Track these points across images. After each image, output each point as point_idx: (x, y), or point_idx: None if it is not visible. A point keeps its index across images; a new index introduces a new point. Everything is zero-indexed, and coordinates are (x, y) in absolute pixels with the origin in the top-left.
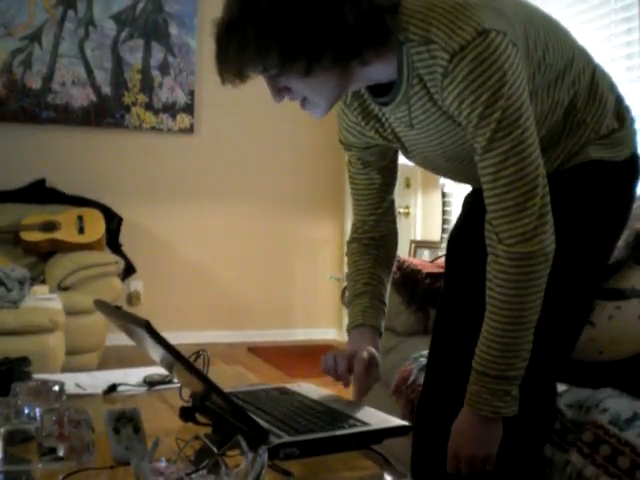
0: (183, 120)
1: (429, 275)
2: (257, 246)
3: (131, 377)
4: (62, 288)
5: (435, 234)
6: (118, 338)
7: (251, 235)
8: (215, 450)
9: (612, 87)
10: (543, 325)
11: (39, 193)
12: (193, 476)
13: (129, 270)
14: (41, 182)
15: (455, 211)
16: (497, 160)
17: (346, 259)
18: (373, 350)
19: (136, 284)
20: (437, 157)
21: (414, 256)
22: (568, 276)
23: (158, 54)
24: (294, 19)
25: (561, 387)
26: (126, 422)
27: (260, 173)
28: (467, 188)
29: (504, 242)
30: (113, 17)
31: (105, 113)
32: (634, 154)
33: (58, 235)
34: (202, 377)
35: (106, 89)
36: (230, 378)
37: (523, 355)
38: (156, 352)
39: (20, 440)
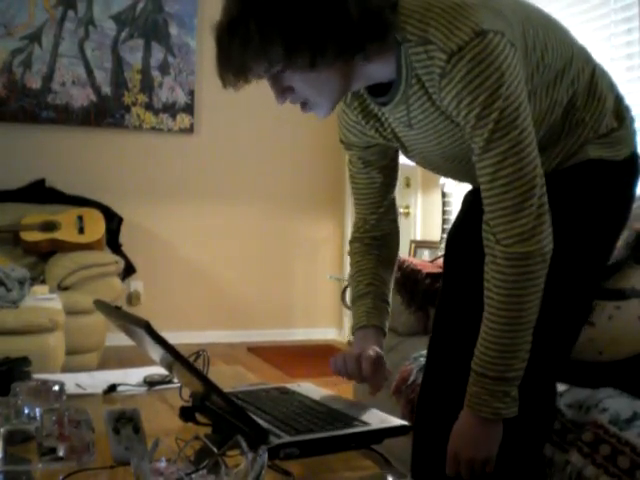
0: (183, 120)
1: (429, 275)
2: (257, 246)
3: (131, 377)
4: (62, 288)
5: (435, 234)
6: (118, 338)
7: (251, 235)
8: (215, 450)
9: (612, 86)
10: (543, 325)
11: (39, 193)
12: (193, 476)
13: (129, 270)
14: (41, 182)
15: (455, 211)
16: (495, 160)
17: (348, 259)
18: (378, 349)
19: (136, 284)
20: (436, 157)
21: (414, 256)
22: (568, 276)
23: (158, 54)
24: (297, 11)
25: (561, 387)
26: (126, 422)
27: (260, 173)
28: (467, 187)
29: (501, 242)
30: (113, 17)
31: (105, 113)
32: (634, 153)
33: (58, 235)
34: (202, 377)
35: (106, 89)
36: (230, 378)
37: (522, 356)
38: (156, 352)
39: (20, 440)
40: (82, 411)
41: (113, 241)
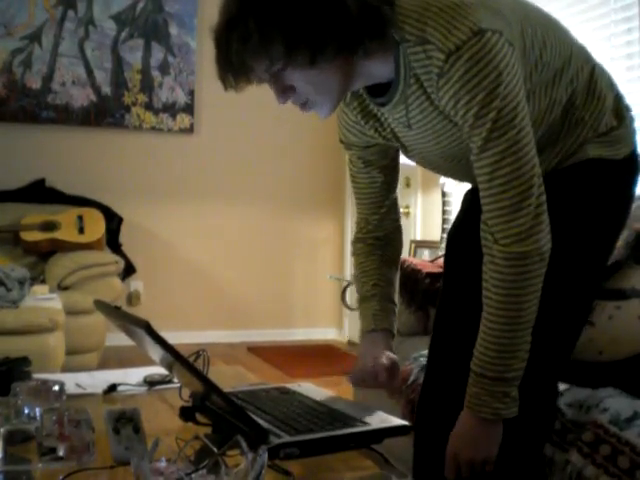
0: (183, 120)
1: (429, 275)
2: (257, 246)
3: (131, 377)
4: (62, 288)
5: (435, 234)
6: (118, 338)
7: (251, 235)
8: (215, 450)
9: (611, 85)
10: (543, 325)
11: (39, 193)
12: (193, 476)
13: (129, 270)
14: (41, 182)
15: (455, 211)
16: (493, 160)
17: (349, 259)
18: (390, 354)
19: (136, 284)
20: (435, 157)
21: (414, 256)
22: (567, 276)
23: (158, 54)
24: (296, 7)
25: (561, 387)
26: (126, 422)
27: (260, 173)
28: (467, 187)
29: (500, 242)
30: (113, 17)
31: (105, 113)
32: (633, 152)
33: (58, 235)
34: (202, 377)
35: (106, 89)
36: (230, 378)
37: (521, 356)
38: (156, 352)
39: (20, 440)
40: (82, 411)
41: (113, 241)
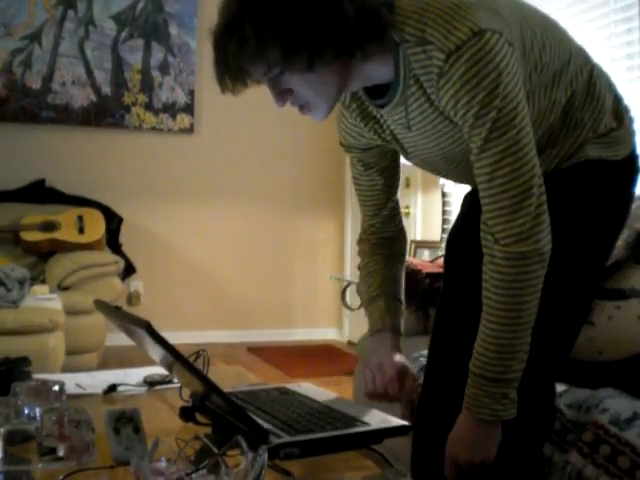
0: (183, 120)
1: (429, 275)
2: (257, 246)
3: (131, 377)
4: (62, 288)
5: (435, 234)
6: (118, 338)
7: (251, 235)
8: (215, 450)
9: (610, 86)
10: (542, 325)
11: (39, 193)
12: (193, 476)
13: (129, 270)
14: (41, 182)
15: (455, 211)
16: (493, 160)
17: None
18: (397, 357)
19: (136, 284)
20: (435, 158)
21: (414, 256)
22: (567, 276)
23: (158, 54)
24: (293, 12)
25: (561, 387)
26: (126, 422)
27: (260, 173)
28: (467, 188)
29: (500, 242)
30: (113, 17)
31: (105, 113)
32: (633, 153)
33: (58, 235)
34: (202, 377)
35: (106, 89)
36: (230, 378)
37: (520, 357)
38: (156, 352)
39: (20, 440)
40: (82, 411)
41: (113, 241)
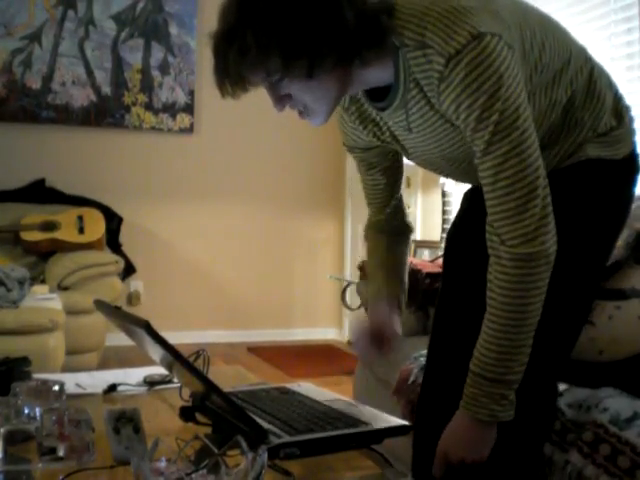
0: (183, 120)
1: (429, 275)
2: (257, 246)
3: (131, 377)
4: (62, 288)
5: (435, 234)
6: (118, 338)
7: (251, 235)
8: (215, 450)
9: (610, 85)
10: (543, 324)
11: (39, 193)
12: (193, 476)
13: (129, 270)
14: (41, 182)
15: (455, 211)
16: (496, 162)
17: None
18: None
19: (136, 284)
20: (437, 159)
21: (414, 256)
22: (567, 275)
23: (158, 54)
24: (293, 20)
25: (561, 387)
26: (126, 422)
27: (260, 173)
28: (467, 187)
29: (506, 243)
30: (113, 17)
31: (105, 113)
32: (633, 152)
33: (58, 235)
34: (202, 377)
35: (106, 89)
36: (230, 378)
37: (521, 359)
38: (156, 352)
39: (20, 440)
40: (82, 411)
41: (113, 241)
